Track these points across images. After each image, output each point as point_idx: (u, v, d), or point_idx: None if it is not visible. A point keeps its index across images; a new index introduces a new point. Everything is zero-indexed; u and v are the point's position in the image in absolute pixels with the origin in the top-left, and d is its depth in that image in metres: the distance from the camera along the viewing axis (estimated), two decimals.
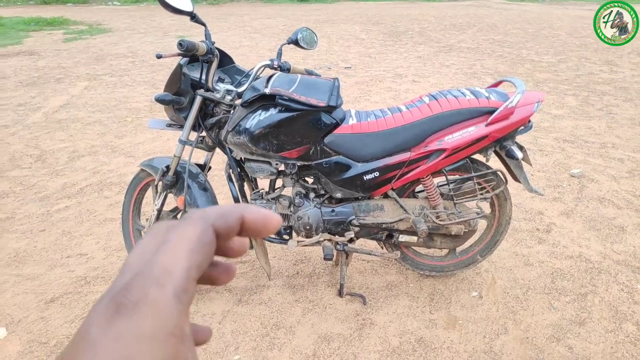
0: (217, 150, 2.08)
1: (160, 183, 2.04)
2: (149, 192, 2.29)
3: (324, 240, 2.01)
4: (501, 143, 1.92)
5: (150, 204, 2.74)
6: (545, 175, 3.37)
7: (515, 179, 2.03)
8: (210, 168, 2.17)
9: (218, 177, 3.33)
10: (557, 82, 6.06)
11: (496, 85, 2.07)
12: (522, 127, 1.91)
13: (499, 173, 2.02)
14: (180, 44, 1.62)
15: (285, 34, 9.85)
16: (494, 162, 2.08)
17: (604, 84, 5.99)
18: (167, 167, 2.00)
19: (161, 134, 4.17)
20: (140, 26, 11.09)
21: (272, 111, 1.78)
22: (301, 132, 1.81)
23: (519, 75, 6.44)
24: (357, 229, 1.99)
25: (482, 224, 2.21)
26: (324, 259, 1.95)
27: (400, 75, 6.39)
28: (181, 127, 2.01)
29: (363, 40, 9.32)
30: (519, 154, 1.89)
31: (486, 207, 2.18)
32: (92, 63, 7.06)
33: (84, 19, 12.25)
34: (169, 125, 2.05)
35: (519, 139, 2.61)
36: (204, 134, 1.99)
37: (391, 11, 14.94)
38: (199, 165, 2.10)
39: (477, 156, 1.99)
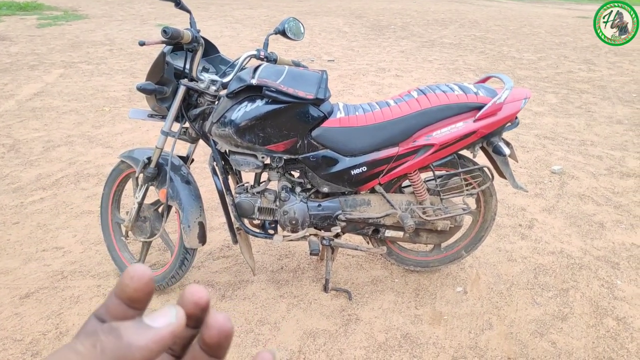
0: (200, 142, 2.02)
1: (141, 175, 1.97)
2: (129, 184, 2.22)
3: (310, 235, 1.99)
4: (488, 139, 1.91)
5: (130, 197, 2.67)
6: (527, 172, 3.40)
7: (501, 175, 2.03)
8: (192, 160, 2.11)
9: (199, 169, 3.26)
10: (538, 80, 6.14)
11: (484, 81, 2.06)
12: (509, 124, 1.91)
13: (485, 169, 2.01)
14: (164, 31, 1.56)
15: (267, 24, 9.73)
16: (480, 158, 2.08)
17: (582, 82, 6.09)
18: (149, 159, 1.94)
19: (140, 124, 4.06)
20: (117, 13, 10.80)
21: (259, 103, 1.73)
22: (288, 125, 1.77)
23: (500, 72, 6.50)
24: (343, 223, 1.97)
25: (467, 220, 2.21)
26: (310, 254, 1.92)
27: (383, 69, 6.38)
28: (163, 117, 1.94)
29: (346, 33, 9.27)
30: (507, 151, 1.89)
31: (472, 203, 2.18)
32: (68, 50, 6.84)
33: (58, 4, 11.86)
34: (151, 116, 1.98)
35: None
36: (187, 125, 1.93)
37: (374, 5, 14.91)
38: (181, 157, 2.04)
39: (464, 152, 1.98)
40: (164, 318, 0.25)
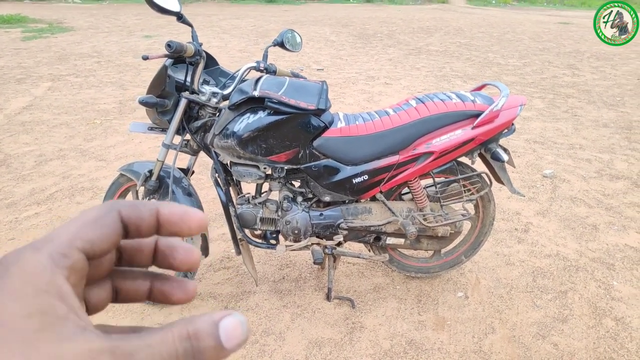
0: (200, 153, 2.02)
1: (142, 188, 1.97)
2: (129, 197, 2.21)
3: (312, 244, 1.99)
4: (486, 146, 1.95)
5: None
6: (519, 176, 3.46)
7: (499, 180, 2.07)
8: (193, 172, 2.11)
9: (194, 180, 3.25)
10: (524, 85, 6.25)
11: (480, 88, 2.10)
12: (506, 130, 1.95)
13: (484, 175, 2.05)
14: (169, 45, 1.57)
15: (255, 34, 9.77)
16: (478, 165, 2.11)
17: (567, 87, 6.22)
18: (150, 171, 1.93)
19: (132, 136, 4.04)
20: (103, 25, 10.75)
21: (261, 114, 1.74)
22: (290, 136, 1.78)
23: (487, 78, 6.61)
24: (345, 232, 1.98)
25: (466, 226, 2.24)
26: (314, 263, 1.93)
27: (372, 77, 6.44)
28: (163, 130, 1.94)
29: (333, 42, 9.35)
30: (505, 157, 1.92)
31: (470, 209, 2.21)
32: (55, 63, 6.78)
33: (43, 17, 11.77)
34: (151, 129, 1.98)
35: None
36: (188, 137, 1.93)
37: (359, 14, 15.06)
38: (181, 170, 2.04)
39: (463, 159, 2.01)
40: (236, 341, 0.25)
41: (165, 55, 1.65)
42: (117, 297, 0.30)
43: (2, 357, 0.20)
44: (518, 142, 4.15)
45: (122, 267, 0.31)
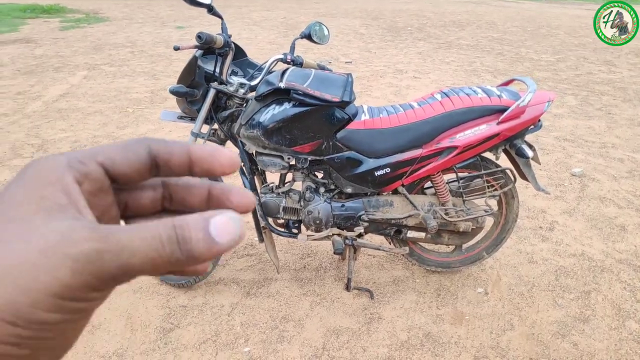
0: (227, 143, 2.08)
1: None
2: None
3: (334, 234, 2.03)
4: (511, 141, 1.93)
5: None
6: (547, 174, 3.40)
7: (523, 177, 2.05)
8: None
9: None
10: (557, 82, 6.10)
11: (507, 83, 2.08)
12: (532, 126, 1.93)
13: (507, 171, 2.04)
14: (199, 37, 1.62)
15: (284, 26, 9.81)
16: (502, 160, 2.09)
17: (602, 84, 6.03)
18: None
19: (163, 125, 4.15)
20: (138, 16, 10.99)
21: (286, 105, 1.78)
22: (314, 127, 1.81)
23: (518, 73, 6.46)
24: (366, 224, 2.00)
25: (489, 221, 2.23)
26: (334, 253, 1.97)
27: (400, 71, 6.40)
28: (192, 119, 2.00)
29: (363, 35, 9.30)
30: (530, 153, 1.90)
31: (493, 205, 2.20)
32: (91, 52, 6.99)
33: (80, 7, 12.11)
34: (181, 118, 2.05)
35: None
36: (216, 126, 1.99)
37: (390, 6, 14.91)
38: None
39: (487, 154, 2.00)
40: (229, 236, 0.24)
41: (196, 46, 1.70)
42: None
43: None
44: (547, 139, 4.07)
45: (174, 207, 0.31)
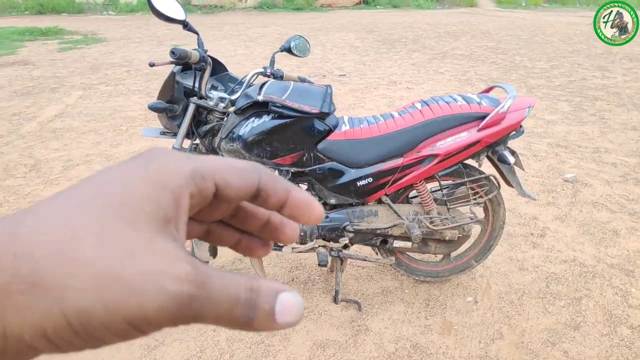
0: None
1: None
2: None
3: (319, 246, 2.02)
4: (493, 148, 1.93)
5: None
6: (539, 180, 3.38)
7: (508, 183, 2.04)
8: None
9: None
10: (550, 88, 6.11)
11: (487, 91, 2.09)
12: (513, 132, 1.93)
13: (491, 178, 2.03)
14: (172, 52, 1.63)
15: (280, 42, 9.88)
16: (487, 167, 2.09)
17: (596, 90, 6.04)
18: None
19: (156, 141, 4.16)
20: (135, 35, 11.12)
21: (265, 118, 1.79)
22: (294, 139, 1.81)
23: (512, 81, 6.49)
24: (351, 235, 1.99)
25: (476, 229, 2.22)
26: (319, 265, 1.95)
27: (394, 82, 6.43)
28: (175, 134, 2.01)
29: (357, 48, 9.37)
30: (511, 159, 1.90)
31: (480, 212, 2.18)
32: (87, 72, 7.06)
33: (79, 29, 12.27)
34: (163, 133, 2.05)
35: (512, 144, 2.63)
36: (197, 141, 1.99)
37: (385, 19, 15.05)
38: None
39: (470, 161, 2.00)
40: (289, 318, 0.24)
41: (171, 62, 1.71)
42: (207, 236, 0.32)
43: (103, 221, 0.21)
44: (540, 145, 4.06)
45: (233, 223, 0.32)
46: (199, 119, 1.95)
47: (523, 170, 2.07)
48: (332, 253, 2.02)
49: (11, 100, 5.55)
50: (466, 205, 2.02)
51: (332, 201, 1.96)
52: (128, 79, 6.62)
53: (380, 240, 2.06)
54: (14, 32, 11.22)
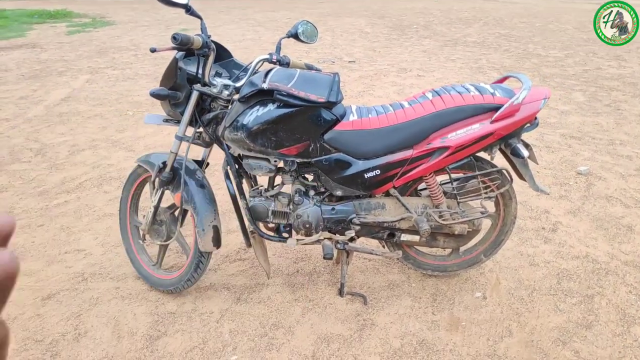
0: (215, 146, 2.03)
1: (157, 179, 2.00)
2: (147, 188, 2.25)
3: (324, 238, 1.97)
4: (506, 141, 1.86)
5: (148, 200, 2.71)
6: (551, 173, 3.30)
7: (521, 177, 1.97)
8: (208, 164, 2.13)
9: (219, 172, 3.28)
10: (564, 78, 5.96)
11: (502, 81, 2.01)
12: (528, 125, 1.85)
13: (504, 171, 1.96)
14: (174, 37, 1.57)
15: (289, 26, 9.67)
16: (499, 160, 2.02)
17: (612, 80, 5.89)
18: (164, 163, 1.96)
19: (162, 128, 4.12)
20: (143, 19, 11.03)
21: (270, 107, 1.73)
22: (300, 129, 1.76)
23: (525, 70, 6.34)
24: (357, 227, 1.94)
25: (486, 223, 2.16)
26: (324, 257, 1.91)
27: (404, 69, 6.31)
28: (178, 122, 1.96)
29: (368, 34, 9.22)
30: (525, 152, 1.83)
31: (490, 206, 2.12)
32: (95, 56, 7.02)
33: (87, 12, 12.20)
34: (166, 121, 2.00)
35: (525, 136, 2.55)
36: (201, 129, 1.94)
37: (396, 5, 14.79)
38: (196, 162, 2.06)
39: (482, 154, 1.93)
40: None
41: (173, 48, 1.65)
42: None
43: None
44: (553, 136, 3.97)
45: None
46: (202, 106, 1.89)
47: (537, 163, 1.99)
48: (338, 246, 1.98)
49: (19, 83, 5.53)
50: (477, 199, 1.96)
51: (339, 193, 1.90)
52: (135, 63, 6.57)
53: (388, 234, 2.01)
54: (22, 14, 11.19)
